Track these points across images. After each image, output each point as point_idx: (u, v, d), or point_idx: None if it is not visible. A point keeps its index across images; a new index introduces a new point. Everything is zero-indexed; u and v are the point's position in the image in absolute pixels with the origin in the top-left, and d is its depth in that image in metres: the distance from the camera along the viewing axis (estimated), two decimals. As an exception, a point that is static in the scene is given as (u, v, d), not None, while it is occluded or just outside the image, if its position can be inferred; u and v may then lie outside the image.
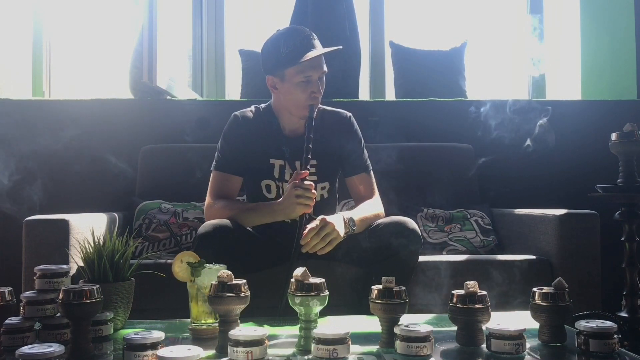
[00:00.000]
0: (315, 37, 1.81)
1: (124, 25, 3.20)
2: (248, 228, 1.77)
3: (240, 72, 2.99)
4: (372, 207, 1.84)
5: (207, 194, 1.84)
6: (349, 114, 1.97)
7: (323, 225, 1.60)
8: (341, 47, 1.83)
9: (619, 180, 1.80)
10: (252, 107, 1.93)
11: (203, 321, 1.27)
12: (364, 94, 3.20)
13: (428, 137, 2.71)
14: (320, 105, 1.95)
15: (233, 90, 3.30)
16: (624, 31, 3.11)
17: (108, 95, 2.84)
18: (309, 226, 1.62)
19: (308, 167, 1.72)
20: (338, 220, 1.65)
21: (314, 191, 1.66)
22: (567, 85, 3.54)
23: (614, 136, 1.79)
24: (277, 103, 1.89)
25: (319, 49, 1.77)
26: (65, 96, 3.12)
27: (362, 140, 1.94)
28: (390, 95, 3.17)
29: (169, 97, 2.77)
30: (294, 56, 1.74)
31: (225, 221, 1.68)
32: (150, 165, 2.49)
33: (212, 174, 1.86)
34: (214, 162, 1.86)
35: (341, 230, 1.65)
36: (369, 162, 1.94)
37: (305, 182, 1.65)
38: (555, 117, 2.82)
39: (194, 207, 2.32)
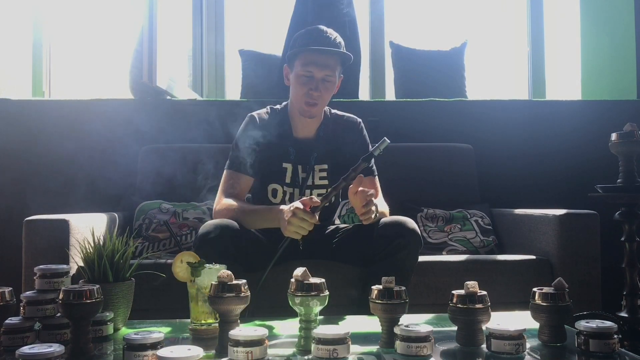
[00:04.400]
0: (337, 37, 1.81)
1: (124, 25, 3.20)
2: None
3: (240, 72, 2.99)
4: (381, 204, 1.84)
5: (218, 192, 1.85)
6: (359, 119, 1.98)
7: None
8: (349, 53, 1.83)
9: (619, 180, 1.80)
10: (268, 108, 1.93)
11: (203, 321, 1.27)
12: (364, 94, 3.20)
13: (428, 137, 2.72)
14: (331, 109, 1.96)
15: (233, 90, 3.30)
16: (624, 31, 3.11)
17: (108, 95, 2.84)
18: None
19: (326, 202, 1.60)
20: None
21: (312, 222, 1.53)
22: (567, 85, 3.55)
23: (614, 136, 1.79)
24: (290, 100, 1.90)
25: (326, 45, 1.78)
26: (65, 96, 3.12)
27: (370, 146, 1.95)
28: (390, 95, 3.17)
29: (169, 97, 2.78)
30: (303, 48, 1.77)
31: (226, 221, 1.68)
32: (150, 165, 2.49)
33: (224, 172, 1.86)
34: (227, 161, 1.87)
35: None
36: (374, 166, 1.95)
37: (312, 215, 1.53)
38: (555, 117, 2.84)
39: (194, 207, 2.32)
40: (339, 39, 1.83)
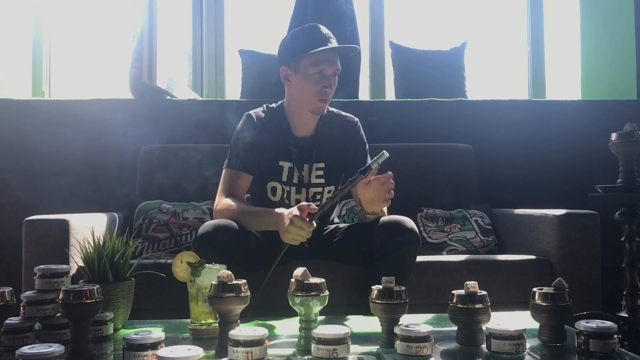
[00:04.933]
0: (334, 37, 1.83)
1: (124, 25, 3.20)
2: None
3: (240, 72, 2.99)
4: None
5: (218, 191, 1.85)
6: (356, 119, 1.98)
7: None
8: (358, 46, 1.84)
9: (619, 180, 1.80)
10: (264, 107, 1.93)
11: (203, 321, 1.27)
12: (364, 94, 3.20)
13: (428, 137, 2.72)
14: (329, 107, 1.96)
15: (233, 90, 3.30)
16: (624, 31, 3.11)
17: (108, 95, 2.84)
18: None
19: (323, 211, 1.59)
20: None
21: (310, 230, 1.54)
22: (567, 85, 3.55)
23: (614, 136, 1.79)
24: (289, 100, 1.89)
25: (329, 41, 1.80)
26: (65, 96, 3.12)
27: (367, 145, 1.95)
28: (390, 95, 3.17)
29: (169, 97, 2.78)
30: (311, 46, 1.77)
31: (226, 221, 1.68)
32: (150, 165, 2.49)
33: (223, 172, 1.86)
34: (226, 160, 1.87)
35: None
36: None
37: (309, 224, 1.53)
38: (555, 117, 2.84)
39: (194, 207, 2.32)
40: (331, 33, 1.84)
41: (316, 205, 1.57)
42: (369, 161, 1.93)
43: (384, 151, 1.57)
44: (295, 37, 1.83)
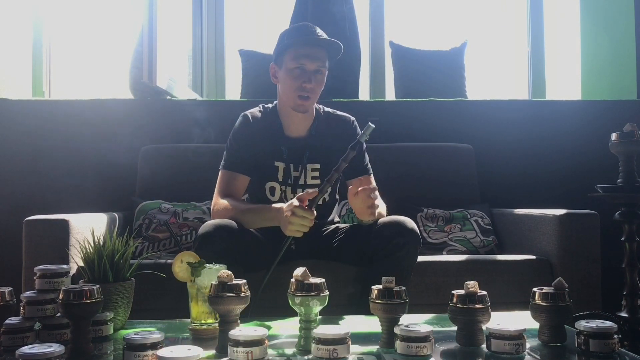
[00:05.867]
0: (323, 34, 1.82)
1: (124, 25, 3.20)
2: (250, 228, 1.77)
3: (240, 72, 2.99)
4: (379, 203, 1.84)
5: (215, 192, 1.84)
6: (352, 118, 1.98)
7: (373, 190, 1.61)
8: (339, 42, 1.83)
9: (619, 180, 1.80)
10: (260, 107, 1.93)
11: (203, 321, 1.27)
12: (364, 94, 3.20)
13: (428, 137, 2.72)
14: (324, 108, 1.96)
15: (233, 90, 3.30)
16: (624, 31, 3.11)
17: (108, 95, 2.84)
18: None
19: (322, 196, 1.61)
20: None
21: (312, 218, 1.55)
22: (567, 85, 3.55)
23: (614, 136, 1.79)
24: (279, 99, 1.90)
25: (317, 38, 1.79)
26: (65, 96, 3.12)
27: (364, 144, 1.95)
28: (390, 95, 3.17)
29: (169, 97, 2.78)
30: (293, 41, 1.77)
31: (226, 221, 1.68)
32: (150, 165, 2.49)
33: (220, 173, 1.86)
34: (222, 161, 1.87)
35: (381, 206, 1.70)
36: (369, 165, 1.95)
37: (311, 212, 1.54)
38: (555, 117, 2.84)
39: (194, 207, 2.32)
40: (325, 35, 1.84)
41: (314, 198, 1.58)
42: (366, 159, 1.94)
43: (370, 123, 1.59)
44: (282, 35, 1.85)
